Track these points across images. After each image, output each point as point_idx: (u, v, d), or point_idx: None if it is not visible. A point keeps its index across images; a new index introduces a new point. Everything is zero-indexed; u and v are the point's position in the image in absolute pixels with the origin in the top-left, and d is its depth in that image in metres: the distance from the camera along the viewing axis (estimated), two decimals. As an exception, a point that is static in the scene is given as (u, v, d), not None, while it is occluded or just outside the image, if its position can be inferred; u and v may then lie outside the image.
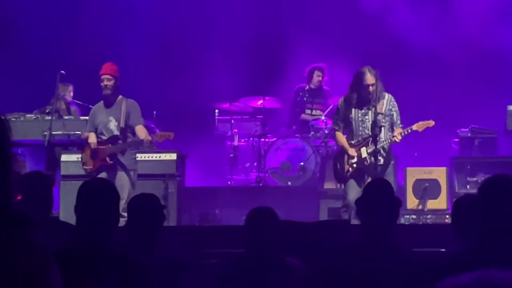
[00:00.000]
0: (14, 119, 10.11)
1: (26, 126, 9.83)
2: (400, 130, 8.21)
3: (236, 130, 11.85)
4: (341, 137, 8.40)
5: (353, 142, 8.29)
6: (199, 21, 13.07)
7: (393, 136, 8.09)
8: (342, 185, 8.59)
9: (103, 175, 8.63)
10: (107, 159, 8.68)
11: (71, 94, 10.83)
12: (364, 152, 8.19)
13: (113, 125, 8.81)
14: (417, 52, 12.52)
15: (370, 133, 8.16)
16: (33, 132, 9.80)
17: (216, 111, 12.00)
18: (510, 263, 3.41)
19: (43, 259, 1.83)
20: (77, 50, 12.39)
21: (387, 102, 8.25)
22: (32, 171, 7.36)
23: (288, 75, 12.34)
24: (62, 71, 9.56)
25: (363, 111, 8.21)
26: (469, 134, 10.85)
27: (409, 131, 8.28)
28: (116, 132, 8.78)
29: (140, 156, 9.44)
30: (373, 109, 8.15)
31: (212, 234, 7.10)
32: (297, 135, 11.29)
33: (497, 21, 12.56)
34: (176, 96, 12.45)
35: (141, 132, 8.77)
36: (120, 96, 8.92)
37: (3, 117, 1.95)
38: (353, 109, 8.23)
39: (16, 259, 1.79)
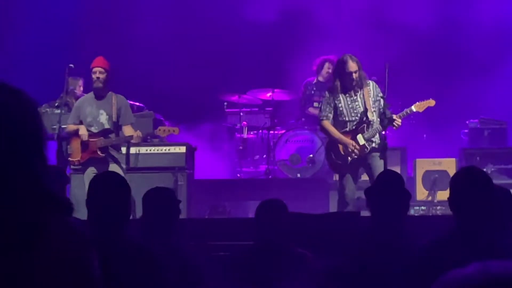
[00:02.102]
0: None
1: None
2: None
3: (245, 123, 11.84)
4: (330, 127, 8.24)
5: (347, 129, 8.18)
6: (208, 13, 13.06)
7: (394, 120, 7.99)
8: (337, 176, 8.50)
9: (92, 169, 8.65)
10: (99, 152, 8.68)
11: (81, 88, 10.83)
12: (361, 139, 8.09)
13: (104, 118, 8.82)
14: (425, 42, 12.49)
15: (363, 119, 8.10)
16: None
17: (225, 103, 12.00)
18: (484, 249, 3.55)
19: (84, 245, 1.86)
20: (87, 44, 12.39)
21: (373, 88, 8.20)
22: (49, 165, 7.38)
23: (297, 67, 12.32)
24: (71, 65, 9.57)
25: (351, 97, 8.14)
26: (478, 125, 10.83)
27: (408, 112, 8.24)
28: (107, 126, 8.79)
29: (150, 149, 9.46)
30: (361, 94, 8.11)
31: (222, 226, 7.12)
32: (306, 127, 11.27)
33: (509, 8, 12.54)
34: (185, 89, 12.46)
35: (128, 131, 8.77)
36: (110, 91, 8.92)
37: (34, 103, 1.97)
38: (340, 97, 8.16)
39: (60, 245, 1.81)
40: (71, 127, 8.93)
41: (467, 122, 10.92)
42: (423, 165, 10.34)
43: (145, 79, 12.24)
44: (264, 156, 11.37)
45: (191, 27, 12.97)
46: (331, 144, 8.35)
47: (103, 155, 8.69)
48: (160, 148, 9.57)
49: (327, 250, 4.98)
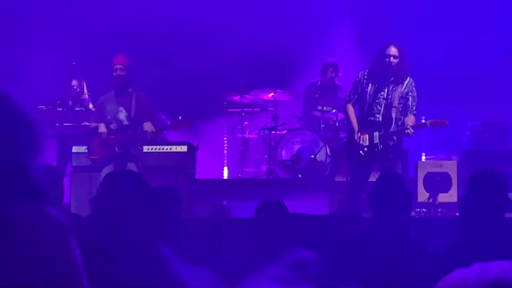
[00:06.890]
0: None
1: (37, 117, 9.84)
2: (412, 119, 7.94)
3: (247, 123, 11.84)
4: (351, 112, 8.08)
5: (367, 120, 7.98)
6: (212, 13, 13.06)
7: (406, 129, 7.83)
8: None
9: (111, 166, 8.66)
10: (117, 149, 8.69)
11: (82, 85, 10.83)
12: (376, 137, 7.91)
13: (123, 115, 8.84)
14: (427, 42, 12.49)
15: (387, 116, 7.92)
16: (44, 123, 9.82)
17: (226, 103, 12.00)
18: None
19: (61, 234, 1.88)
20: (89, 42, 12.40)
21: (406, 85, 7.95)
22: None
23: (300, 67, 12.32)
24: (74, 63, 9.58)
25: (379, 87, 7.89)
26: (480, 127, 10.82)
27: (422, 125, 8.12)
28: (126, 123, 8.80)
29: (151, 148, 9.46)
30: (393, 87, 7.86)
31: (223, 226, 7.10)
32: (308, 128, 11.27)
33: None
34: (187, 88, 12.46)
35: (147, 127, 8.79)
36: (131, 88, 8.94)
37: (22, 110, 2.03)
38: (370, 84, 7.94)
39: (36, 233, 1.84)
40: (92, 125, 8.99)
41: (469, 124, 10.91)
42: (424, 167, 10.32)
43: (147, 78, 12.23)
44: (266, 156, 11.37)
45: (195, 26, 12.96)
46: (351, 133, 8.14)
47: (121, 152, 8.69)
48: (161, 147, 9.56)
49: (328, 251, 4.97)
